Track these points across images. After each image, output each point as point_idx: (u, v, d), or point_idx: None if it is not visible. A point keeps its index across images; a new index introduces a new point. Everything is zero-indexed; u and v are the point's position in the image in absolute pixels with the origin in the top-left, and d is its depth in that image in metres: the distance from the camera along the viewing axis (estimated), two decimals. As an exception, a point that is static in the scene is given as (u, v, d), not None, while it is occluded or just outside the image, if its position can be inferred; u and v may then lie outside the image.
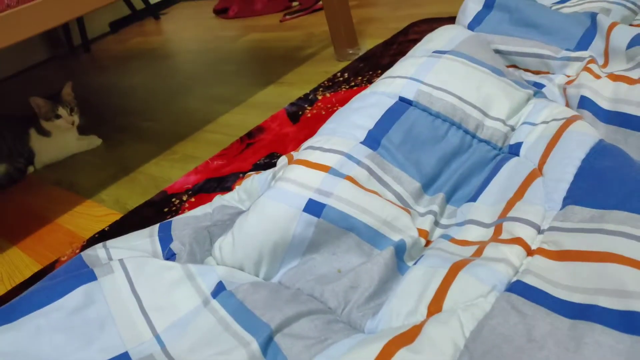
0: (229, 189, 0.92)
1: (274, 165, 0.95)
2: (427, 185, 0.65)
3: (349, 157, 0.63)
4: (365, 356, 0.43)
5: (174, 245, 0.65)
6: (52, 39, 2.58)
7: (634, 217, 0.45)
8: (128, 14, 2.84)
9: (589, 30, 0.85)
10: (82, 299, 0.55)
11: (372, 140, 0.67)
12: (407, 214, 0.61)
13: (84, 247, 0.88)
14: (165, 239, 0.68)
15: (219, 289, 0.56)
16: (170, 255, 0.65)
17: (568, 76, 0.81)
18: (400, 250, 0.57)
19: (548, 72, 0.84)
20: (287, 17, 2.02)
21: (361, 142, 0.66)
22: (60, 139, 1.32)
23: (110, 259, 0.65)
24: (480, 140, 0.69)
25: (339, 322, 0.51)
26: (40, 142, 1.31)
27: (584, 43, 0.84)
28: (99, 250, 0.65)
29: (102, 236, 0.89)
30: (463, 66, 0.75)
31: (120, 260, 0.60)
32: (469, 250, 0.55)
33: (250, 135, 1.12)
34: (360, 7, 1.89)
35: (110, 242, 0.68)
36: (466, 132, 0.69)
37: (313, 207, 0.59)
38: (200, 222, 0.71)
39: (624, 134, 0.63)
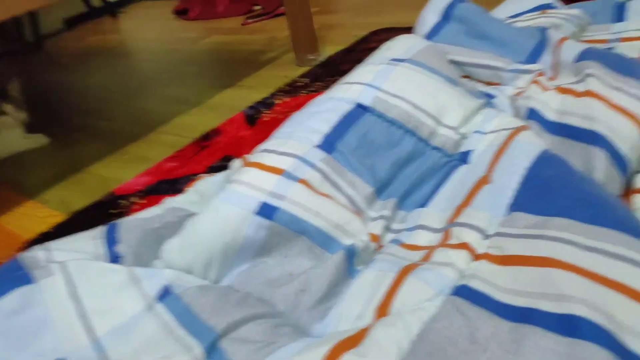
0: (181, 191, 0.90)
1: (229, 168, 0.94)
2: (380, 190, 0.66)
3: (304, 160, 0.63)
4: (311, 359, 0.43)
5: (120, 248, 0.63)
6: (3, 33, 2.48)
7: (575, 224, 0.47)
8: (84, 11, 2.76)
9: (539, 43, 0.88)
10: (18, 303, 0.52)
11: (328, 144, 0.67)
12: (359, 218, 0.61)
13: (24, 249, 0.84)
14: (111, 241, 0.66)
15: (165, 293, 0.54)
16: (115, 258, 0.63)
17: (518, 88, 0.83)
18: (351, 255, 0.57)
19: (499, 84, 0.86)
20: (249, 20, 2.02)
21: (316, 146, 0.66)
22: (5, 137, 1.27)
23: (51, 261, 0.62)
24: (433, 148, 0.70)
25: (287, 325, 0.50)
26: None
27: (534, 56, 0.87)
28: (39, 252, 0.62)
29: (45, 238, 0.85)
30: (419, 75, 0.76)
31: (62, 263, 0.57)
32: (418, 255, 0.55)
33: (206, 137, 1.10)
34: (322, 13, 1.90)
35: (51, 244, 0.65)
36: (420, 139, 0.70)
37: (265, 210, 0.58)
38: (148, 224, 0.69)
39: (567, 145, 0.66)
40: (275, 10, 2.02)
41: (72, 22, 2.75)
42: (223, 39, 1.89)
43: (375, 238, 0.60)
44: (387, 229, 0.63)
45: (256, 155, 0.66)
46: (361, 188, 0.64)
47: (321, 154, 0.65)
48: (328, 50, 1.47)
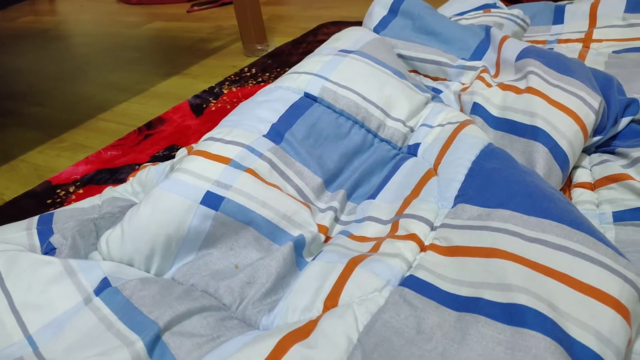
0: (122, 181, 0.87)
1: (173, 157, 0.91)
2: (329, 181, 0.65)
3: (251, 149, 0.62)
4: (258, 352, 0.42)
5: (54, 239, 0.60)
6: None
7: (517, 215, 0.48)
8: (17, -10, 2.60)
9: (483, 41, 0.90)
10: None
11: (276, 134, 0.65)
12: (307, 209, 0.60)
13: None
14: (45, 232, 0.62)
15: (103, 286, 0.51)
16: (49, 250, 0.59)
17: (463, 84, 0.85)
18: (299, 246, 0.56)
19: (445, 79, 0.88)
20: (195, 7, 1.96)
21: (264, 135, 0.65)
22: None
23: None
24: (382, 140, 0.70)
25: (233, 319, 0.49)
26: None
27: (478, 53, 0.89)
28: None
29: (-29, 229, 0.80)
30: (367, 66, 0.76)
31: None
32: (366, 246, 0.55)
33: (149, 126, 1.06)
34: (271, 4, 1.88)
35: None
36: (368, 131, 0.70)
37: (211, 200, 0.56)
38: (86, 214, 0.65)
39: (509, 139, 0.68)
40: (223, -1, 1.98)
41: (4, 2, 2.58)
42: (166, 26, 1.83)
43: (323, 229, 0.60)
44: (336, 220, 0.63)
45: (201, 144, 0.64)
46: (309, 179, 0.64)
47: (269, 144, 0.64)
48: (276, 42, 1.45)
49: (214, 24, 1.74)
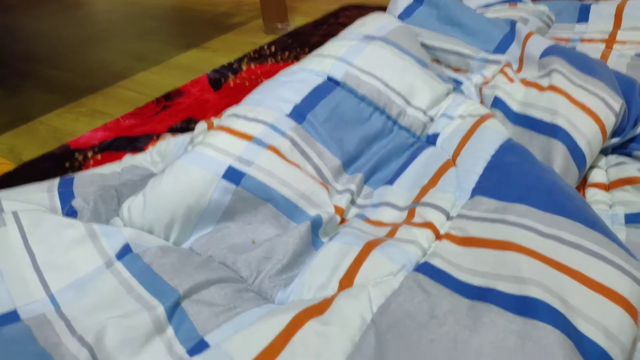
0: (140, 149, 0.88)
1: (191, 130, 0.92)
2: (348, 163, 0.66)
3: (274, 127, 0.63)
4: (274, 325, 0.43)
5: (76, 202, 0.61)
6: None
7: (534, 211, 0.49)
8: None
9: (507, 35, 0.90)
10: None
11: (298, 114, 0.66)
12: (325, 189, 0.61)
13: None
14: (66, 194, 0.64)
15: (124, 251, 0.53)
16: (70, 213, 0.61)
17: (485, 77, 0.85)
18: (316, 226, 0.57)
19: (467, 71, 0.88)
20: (216, -19, 1.95)
21: (287, 115, 0.65)
22: None
23: (1, 211, 0.59)
24: (401, 127, 0.71)
25: (250, 291, 0.51)
26: None
27: (502, 47, 0.89)
28: None
29: (-8, 186, 0.81)
30: (391, 53, 0.77)
31: (14, 213, 0.55)
32: (382, 231, 0.56)
33: (167, 97, 1.07)
34: (293, -18, 1.87)
35: (1, 193, 0.62)
36: (389, 117, 0.71)
37: (232, 175, 0.58)
38: (107, 180, 0.67)
39: (529, 135, 0.68)
40: (245, -27, 1.96)
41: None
42: (188, -3, 1.82)
43: (340, 211, 0.61)
44: (352, 203, 0.64)
45: (225, 119, 0.65)
46: (329, 160, 0.65)
47: (291, 123, 0.65)
48: (297, 21, 1.45)
49: (234, -2, 1.74)
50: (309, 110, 0.67)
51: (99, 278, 0.50)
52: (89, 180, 0.67)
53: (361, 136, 0.68)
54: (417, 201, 0.58)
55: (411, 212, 0.57)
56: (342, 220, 0.61)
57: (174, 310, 0.46)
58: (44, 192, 0.64)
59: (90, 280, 0.50)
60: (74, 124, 1.02)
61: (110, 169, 0.71)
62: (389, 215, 0.59)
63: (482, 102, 0.79)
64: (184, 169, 0.58)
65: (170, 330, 0.45)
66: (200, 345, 0.44)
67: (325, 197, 0.60)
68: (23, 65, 1.38)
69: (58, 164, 0.87)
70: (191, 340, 0.44)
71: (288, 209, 0.58)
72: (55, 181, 0.66)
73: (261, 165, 0.59)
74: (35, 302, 0.49)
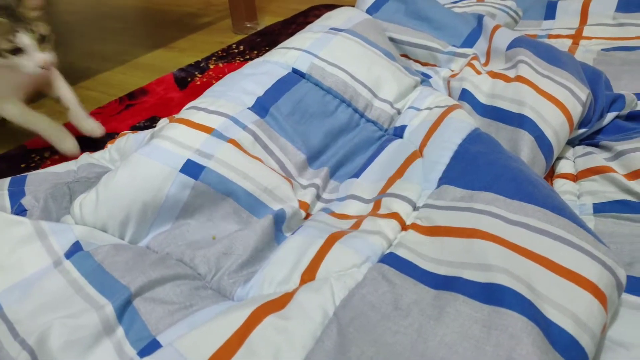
0: (100, 149, 0.84)
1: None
2: (312, 158, 0.64)
3: (235, 120, 0.60)
4: (231, 322, 0.41)
5: (26, 200, 0.58)
6: None
7: (500, 198, 0.48)
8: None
9: (475, 30, 0.89)
10: None
11: (260, 107, 0.64)
12: (289, 184, 0.59)
13: None
14: (17, 193, 0.60)
15: (74, 250, 0.50)
16: (20, 211, 0.57)
17: (452, 70, 0.84)
18: (279, 220, 0.55)
19: (435, 65, 0.87)
20: (185, -18, 1.92)
21: (249, 108, 0.63)
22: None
23: None
24: (368, 120, 0.69)
25: (208, 288, 0.48)
26: None
27: (469, 41, 0.88)
28: None
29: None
30: (357, 46, 0.75)
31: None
32: (347, 224, 0.54)
33: (131, 96, 1.04)
34: (263, -17, 1.85)
35: None
36: (355, 110, 0.69)
37: (191, 168, 0.55)
38: (60, 178, 0.63)
39: (496, 127, 0.67)
40: (214, -25, 1.94)
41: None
42: (155, -2, 1.79)
43: (305, 206, 0.59)
44: (318, 197, 0.62)
45: (184, 112, 0.62)
46: (293, 154, 0.63)
47: (253, 116, 0.62)
48: (267, 21, 1.43)
49: (203, -1, 1.71)
50: (273, 103, 0.65)
51: (46, 278, 0.47)
52: (43, 179, 0.63)
53: (327, 130, 0.66)
54: (383, 192, 0.57)
55: (377, 204, 0.55)
56: (307, 215, 0.59)
57: (124, 310, 0.43)
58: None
59: (36, 280, 0.47)
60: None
61: (65, 168, 0.68)
62: (354, 208, 0.57)
63: (449, 95, 0.78)
64: (139, 162, 0.55)
65: (120, 331, 0.42)
66: (152, 346, 0.41)
67: (288, 191, 0.58)
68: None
69: (13, 165, 0.83)
70: (142, 341, 0.42)
71: (250, 204, 0.56)
72: (6, 180, 0.63)
73: (221, 159, 0.56)
74: None
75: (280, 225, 0.56)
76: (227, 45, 1.27)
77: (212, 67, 1.14)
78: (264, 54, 1.19)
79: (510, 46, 0.79)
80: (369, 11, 0.97)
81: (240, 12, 1.38)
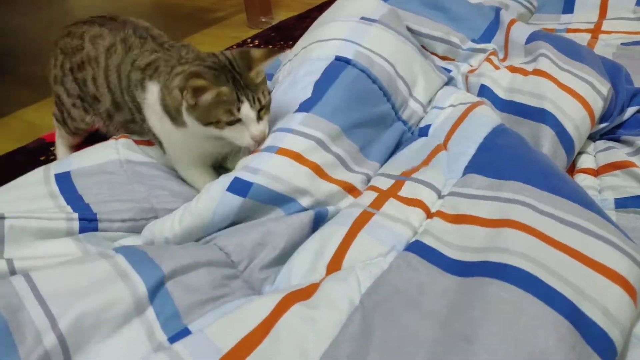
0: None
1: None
2: (363, 148, 0.63)
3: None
4: (259, 310, 0.41)
5: (103, 225, 0.57)
6: None
7: (528, 187, 0.48)
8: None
9: (492, 23, 0.89)
10: None
11: (309, 106, 0.62)
12: (340, 187, 0.58)
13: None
14: (74, 199, 0.58)
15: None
16: (89, 218, 0.56)
17: (471, 65, 0.84)
18: (319, 218, 0.54)
19: (454, 60, 0.86)
20: (199, -23, 1.92)
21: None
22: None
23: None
24: (400, 119, 0.68)
25: (238, 279, 0.48)
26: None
27: (487, 35, 0.87)
28: None
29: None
30: (394, 39, 0.73)
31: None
32: (368, 197, 0.54)
33: (148, 90, 1.04)
34: (276, -22, 1.85)
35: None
36: (392, 106, 0.67)
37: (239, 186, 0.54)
38: (108, 171, 0.61)
39: (516, 121, 0.67)
40: (227, -30, 1.94)
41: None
42: (168, -7, 1.80)
43: (355, 192, 0.58)
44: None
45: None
46: (349, 146, 0.61)
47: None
48: (281, 15, 1.43)
49: (217, -6, 1.72)
50: (320, 99, 0.62)
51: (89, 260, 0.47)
52: (95, 182, 0.60)
53: (368, 121, 0.64)
54: (407, 175, 0.57)
55: (399, 184, 0.55)
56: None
57: (156, 291, 0.43)
58: (46, 197, 0.58)
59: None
60: (50, 118, 0.98)
61: (105, 157, 0.64)
62: (378, 182, 0.57)
63: (468, 90, 0.78)
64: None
65: (151, 312, 0.43)
66: (183, 334, 0.42)
67: (339, 195, 0.57)
68: (1, 60, 1.35)
69: (32, 158, 0.84)
70: (174, 327, 0.42)
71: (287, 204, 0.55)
72: (51, 180, 0.60)
73: (269, 172, 0.55)
74: None
75: (320, 223, 0.55)
76: (241, 39, 1.27)
77: (227, 61, 1.15)
78: (278, 48, 1.19)
79: (529, 39, 0.78)
80: (383, -2, 0.94)
81: (255, 6, 1.38)
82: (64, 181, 0.60)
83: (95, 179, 0.60)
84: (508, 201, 0.46)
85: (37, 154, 0.85)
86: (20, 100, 1.08)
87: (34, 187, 0.59)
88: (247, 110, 0.55)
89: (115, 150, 0.65)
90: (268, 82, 0.74)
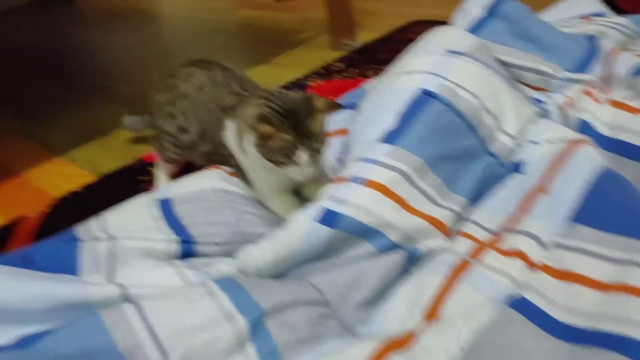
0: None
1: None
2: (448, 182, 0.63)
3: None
4: (355, 355, 0.42)
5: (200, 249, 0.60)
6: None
7: (641, 245, 0.45)
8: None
9: (588, 52, 0.85)
10: None
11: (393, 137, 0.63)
12: (429, 224, 0.58)
13: (55, 207, 0.83)
14: (175, 223, 0.62)
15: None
16: (188, 241, 0.60)
17: (567, 97, 0.80)
18: (412, 258, 0.55)
19: (547, 90, 0.84)
20: (282, -3, 1.98)
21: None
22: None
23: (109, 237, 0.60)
24: (489, 153, 0.67)
25: (333, 318, 0.49)
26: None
27: (583, 65, 0.84)
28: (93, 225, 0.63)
29: (75, 197, 0.85)
30: (481, 70, 0.72)
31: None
32: (466, 244, 0.54)
33: (237, 112, 1.08)
34: (358, -2, 1.87)
35: (107, 221, 0.63)
36: (479, 139, 0.67)
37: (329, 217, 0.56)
38: (205, 203, 0.65)
39: (620, 162, 0.64)
40: (310, -10, 1.98)
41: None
42: (254, 14, 1.86)
43: (444, 229, 0.58)
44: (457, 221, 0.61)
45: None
46: (433, 179, 0.62)
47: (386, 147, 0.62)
48: (363, 37, 1.44)
49: (300, 15, 1.75)
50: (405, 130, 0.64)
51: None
52: (195, 209, 0.64)
53: (453, 155, 0.64)
54: (504, 227, 0.55)
55: (498, 236, 0.54)
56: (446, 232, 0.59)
57: (257, 328, 0.45)
58: (149, 221, 0.62)
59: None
60: (147, 138, 1.05)
61: (205, 184, 0.68)
62: (476, 233, 0.57)
63: (565, 124, 0.75)
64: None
65: (251, 349, 0.44)
66: (281, 372, 0.43)
67: (428, 231, 0.57)
68: (97, 78, 1.45)
69: (133, 177, 0.89)
70: (272, 365, 0.44)
71: (383, 244, 0.56)
72: (154, 208, 0.65)
73: (357, 203, 0.56)
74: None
75: (412, 263, 0.55)
76: (325, 62, 1.30)
77: (311, 84, 1.17)
78: (363, 72, 1.20)
79: (634, 72, 0.74)
80: (472, 30, 0.94)
81: (339, 28, 1.40)
82: (165, 206, 0.64)
83: (193, 205, 0.64)
84: (623, 263, 0.44)
85: (136, 173, 0.90)
86: (115, 119, 1.15)
87: (140, 210, 0.64)
88: (301, 157, 0.61)
89: (209, 179, 0.69)
90: (351, 111, 0.76)
